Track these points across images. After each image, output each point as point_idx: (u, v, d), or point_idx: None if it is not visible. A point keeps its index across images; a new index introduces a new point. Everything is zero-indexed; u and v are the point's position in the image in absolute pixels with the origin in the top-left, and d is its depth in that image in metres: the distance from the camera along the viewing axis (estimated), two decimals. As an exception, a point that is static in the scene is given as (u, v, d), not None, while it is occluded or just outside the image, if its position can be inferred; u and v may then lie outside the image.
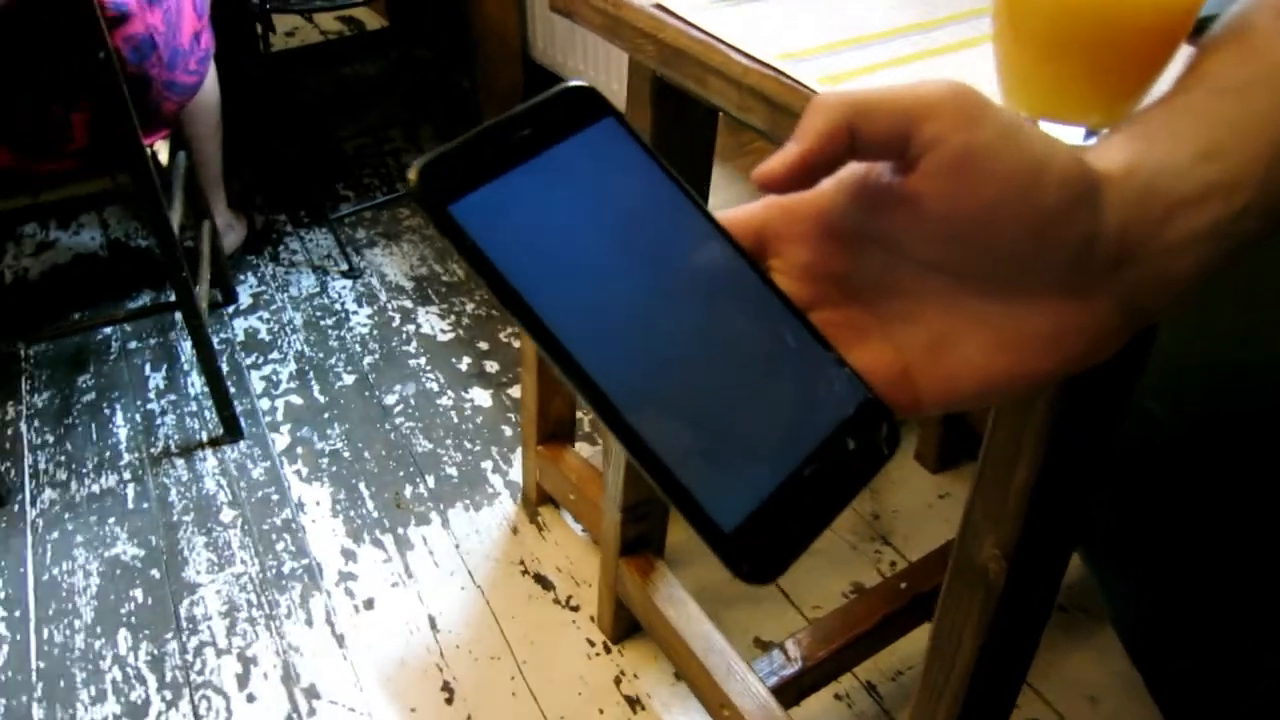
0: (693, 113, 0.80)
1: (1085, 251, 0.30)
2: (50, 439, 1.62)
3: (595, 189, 0.30)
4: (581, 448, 1.38)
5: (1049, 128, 0.49)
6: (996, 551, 0.61)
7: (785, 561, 0.28)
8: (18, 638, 1.31)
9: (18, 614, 1.34)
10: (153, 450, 1.59)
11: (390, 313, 1.89)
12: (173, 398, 1.70)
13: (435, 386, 1.71)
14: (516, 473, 1.53)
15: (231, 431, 1.60)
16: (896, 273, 0.33)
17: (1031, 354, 0.32)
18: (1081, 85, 0.46)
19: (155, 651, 1.29)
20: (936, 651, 0.69)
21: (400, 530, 1.45)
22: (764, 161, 0.31)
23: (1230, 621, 0.64)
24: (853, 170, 0.32)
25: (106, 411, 1.67)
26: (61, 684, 1.25)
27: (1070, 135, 0.48)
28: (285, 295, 1.94)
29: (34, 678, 1.26)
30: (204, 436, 1.62)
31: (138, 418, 1.66)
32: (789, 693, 1.07)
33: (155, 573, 1.39)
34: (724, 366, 0.30)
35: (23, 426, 1.64)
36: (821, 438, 0.30)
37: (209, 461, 1.57)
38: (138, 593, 1.36)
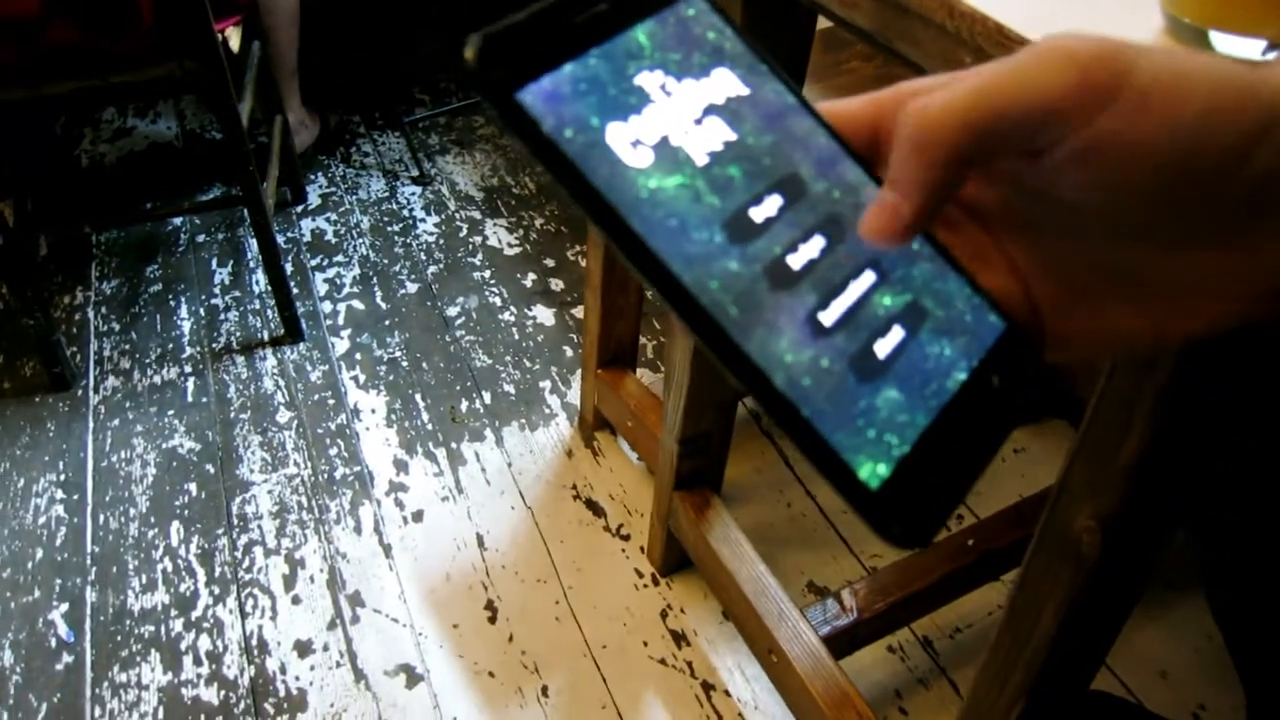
0: (789, 13, 0.73)
1: (1264, 190, 0.24)
2: (116, 326, 1.62)
3: (684, 76, 0.25)
4: (643, 374, 1.33)
5: (1220, 40, 0.41)
6: (1092, 523, 0.55)
7: (938, 520, 0.24)
8: (75, 521, 1.33)
9: (76, 498, 1.36)
10: (214, 345, 1.59)
11: (458, 223, 1.85)
12: (237, 294, 1.69)
13: (498, 301, 1.67)
14: (574, 395, 1.49)
15: (292, 332, 1.59)
16: (1028, 204, 0.28)
17: (1182, 310, 0.27)
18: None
19: (206, 546, 1.29)
20: (1012, 623, 0.64)
21: (454, 444, 1.43)
22: (869, 216, 0.25)
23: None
24: None
25: (172, 303, 1.67)
26: (114, 570, 1.27)
27: (1247, 49, 0.40)
28: (354, 198, 1.91)
29: (88, 561, 1.28)
30: (265, 335, 1.61)
31: (201, 312, 1.65)
32: (841, 643, 1.03)
33: (210, 468, 1.39)
34: (848, 290, 0.25)
35: (90, 312, 1.65)
36: (964, 375, 0.26)
37: (268, 361, 1.56)
38: (192, 486, 1.37)
